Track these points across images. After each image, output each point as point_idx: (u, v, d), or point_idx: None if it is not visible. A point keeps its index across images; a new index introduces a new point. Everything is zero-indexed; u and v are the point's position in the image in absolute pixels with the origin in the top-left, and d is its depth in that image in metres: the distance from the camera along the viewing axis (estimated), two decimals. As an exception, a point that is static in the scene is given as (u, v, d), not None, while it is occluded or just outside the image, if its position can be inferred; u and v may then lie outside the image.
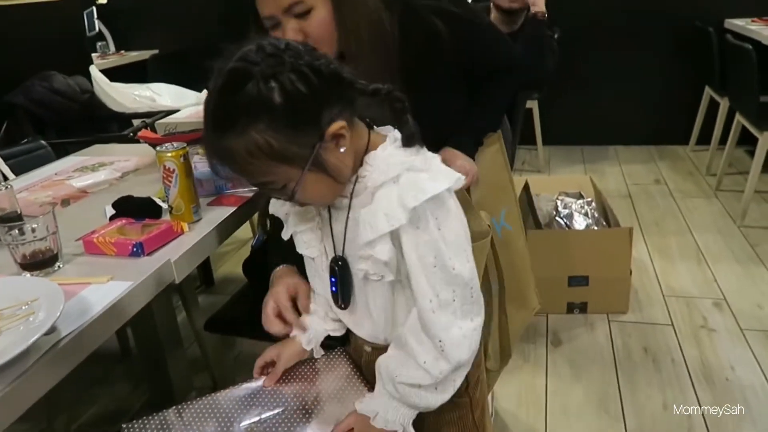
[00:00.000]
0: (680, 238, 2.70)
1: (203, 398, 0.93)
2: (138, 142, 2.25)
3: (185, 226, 1.14)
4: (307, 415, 0.87)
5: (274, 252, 1.10)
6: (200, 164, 1.27)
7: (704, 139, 3.59)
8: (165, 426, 0.88)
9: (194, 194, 1.17)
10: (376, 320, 0.87)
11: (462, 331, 0.79)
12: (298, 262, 1.01)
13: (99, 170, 1.58)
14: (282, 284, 1.01)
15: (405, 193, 0.74)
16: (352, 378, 0.95)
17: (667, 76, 3.85)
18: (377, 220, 0.75)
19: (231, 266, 2.82)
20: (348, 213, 0.82)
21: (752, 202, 2.80)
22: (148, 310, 0.95)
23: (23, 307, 0.86)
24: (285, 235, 0.94)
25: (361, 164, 0.80)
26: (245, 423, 0.86)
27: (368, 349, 0.95)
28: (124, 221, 1.15)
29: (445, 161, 0.82)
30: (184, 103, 2.36)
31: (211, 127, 0.74)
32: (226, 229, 1.21)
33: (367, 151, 0.80)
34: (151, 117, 2.33)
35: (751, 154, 2.83)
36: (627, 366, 1.88)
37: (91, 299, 0.91)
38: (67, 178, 1.53)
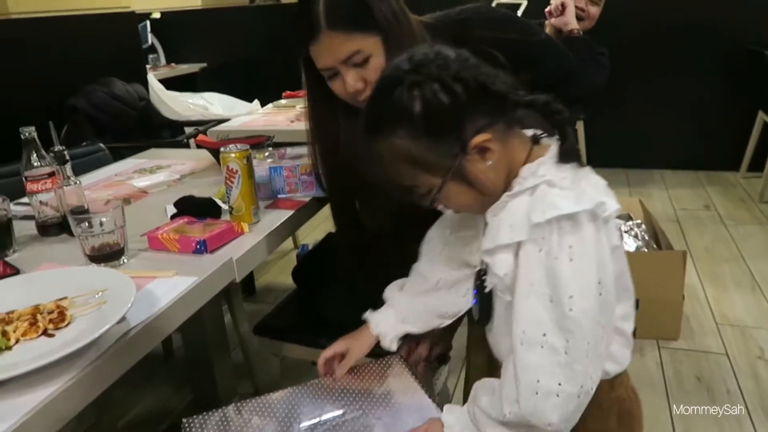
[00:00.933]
0: (733, 266, 2.61)
1: (261, 397, 0.93)
2: (190, 147, 2.31)
3: (245, 226, 1.15)
4: (368, 420, 0.86)
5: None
6: (258, 168, 1.28)
7: (756, 165, 3.49)
8: (225, 421, 0.88)
9: (255, 196, 1.18)
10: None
11: (558, 390, 0.68)
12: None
13: (157, 172, 1.62)
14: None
15: (534, 207, 0.70)
16: (412, 386, 0.94)
17: (718, 99, 3.76)
18: (500, 229, 0.72)
19: (272, 276, 2.83)
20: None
21: (809, 231, 2.70)
22: (198, 312, 0.96)
23: (95, 296, 0.87)
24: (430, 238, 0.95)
25: (515, 176, 0.76)
26: (305, 424, 0.86)
27: None
28: (185, 220, 1.16)
29: None
30: (235, 113, 2.41)
31: (363, 130, 0.77)
32: (283, 232, 1.22)
33: (522, 164, 0.76)
34: (203, 125, 2.39)
35: (809, 181, 2.74)
36: (679, 395, 1.81)
37: (158, 292, 0.93)
38: (128, 179, 1.57)
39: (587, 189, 0.71)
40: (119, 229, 1.04)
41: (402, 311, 0.98)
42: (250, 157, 1.16)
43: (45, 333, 0.82)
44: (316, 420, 0.86)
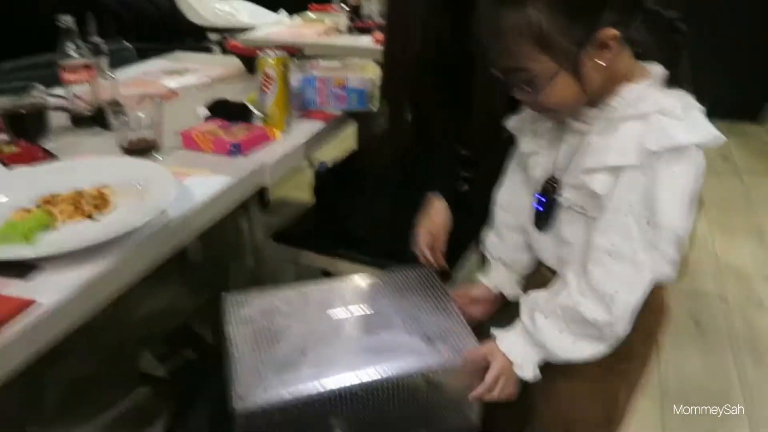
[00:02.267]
0: (744, 217, 2.63)
1: (298, 284, 0.98)
2: (214, 52, 2.28)
3: (278, 133, 1.17)
4: (399, 323, 0.91)
5: (432, 171, 1.15)
6: (291, 78, 1.28)
7: (781, 119, 3.43)
8: (263, 298, 0.93)
9: (289, 104, 1.19)
10: (562, 250, 0.85)
11: (634, 303, 0.76)
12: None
13: (186, 74, 1.61)
14: (440, 218, 1.08)
15: (649, 134, 0.70)
16: (444, 297, 0.97)
17: (744, 45, 3.63)
18: (607, 151, 0.73)
19: (285, 191, 2.87)
20: (582, 138, 0.78)
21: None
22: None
23: (137, 186, 0.91)
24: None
25: (612, 92, 0.75)
26: (339, 315, 0.91)
27: (549, 275, 0.89)
28: (219, 122, 1.18)
29: None
30: (262, 21, 2.37)
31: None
32: (313, 142, 1.24)
33: (622, 80, 0.75)
34: (228, 32, 2.35)
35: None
36: (671, 330, 1.88)
37: (194, 188, 0.96)
38: (158, 78, 1.57)
39: (699, 119, 0.72)
40: (156, 126, 1.06)
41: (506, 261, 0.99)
42: (288, 64, 1.16)
43: (90, 217, 0.86)
44: (347, 315, 0.92)
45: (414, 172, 1.22)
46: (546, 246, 0.88)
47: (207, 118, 1.23)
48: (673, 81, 0.74)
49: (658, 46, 0.75)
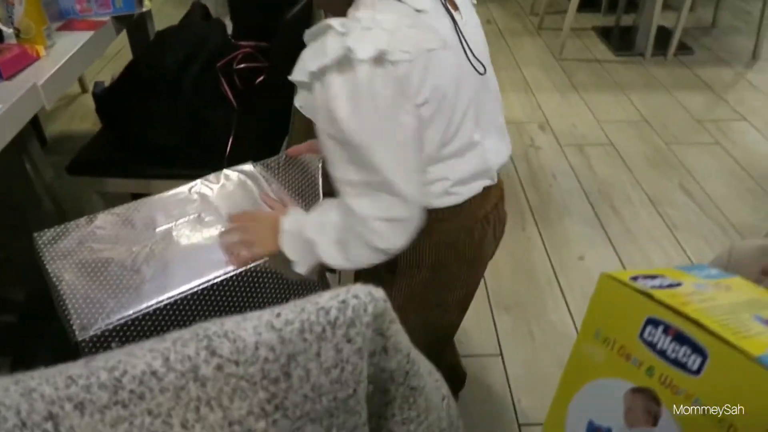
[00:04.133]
0: (510, 73, 2.96)
1: (112, 209, 0.92)
2: None
3: (41, 49, 1.03)
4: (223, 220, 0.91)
5: None
6: (38, -17, 1.12)
7: (528, -19, 3.82)
8: (78, 230, 0.87)
9: (44, 14, 1.05)
10: None
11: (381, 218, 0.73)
12: None
13: None
14: None
15: (313, 52, 0.69)
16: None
17: None
18: (298, 62, 0.72)
19: (63, 125, 2.56)
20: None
21: (568, 39, 3.12)
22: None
23: None
24: None
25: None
26: (161, 228, 0.89)
27: None
28: (-39, 47, 1.00)
29: None
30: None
31: None
32: (85, 55, 1.12)
33: None
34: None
35: (569, -7, 3.11)
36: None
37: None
38: None
39: (359, 33, 0.66)
40: None
41: None
42: (29, -33, 1.01)
43: None
44: (171, 224, 0.90)
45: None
46: None
47: (-57, 45, 1.04)
48: None
49: None
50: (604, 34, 3.33)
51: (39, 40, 1.04)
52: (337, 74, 0.66)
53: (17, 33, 1.03)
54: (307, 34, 0.73)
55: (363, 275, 0.89)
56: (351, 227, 0.74)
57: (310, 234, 0.78)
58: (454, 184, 0.80)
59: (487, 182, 0.84)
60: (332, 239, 0.76)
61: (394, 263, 0.84)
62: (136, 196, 1.73)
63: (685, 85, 2.80)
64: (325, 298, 0.42)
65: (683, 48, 3.08)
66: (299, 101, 0.76)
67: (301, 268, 0.80)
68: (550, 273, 1.74)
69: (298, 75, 0.71)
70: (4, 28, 1.07)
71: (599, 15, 3.55)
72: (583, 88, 2.78)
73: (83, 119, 2.52)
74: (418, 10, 0.71)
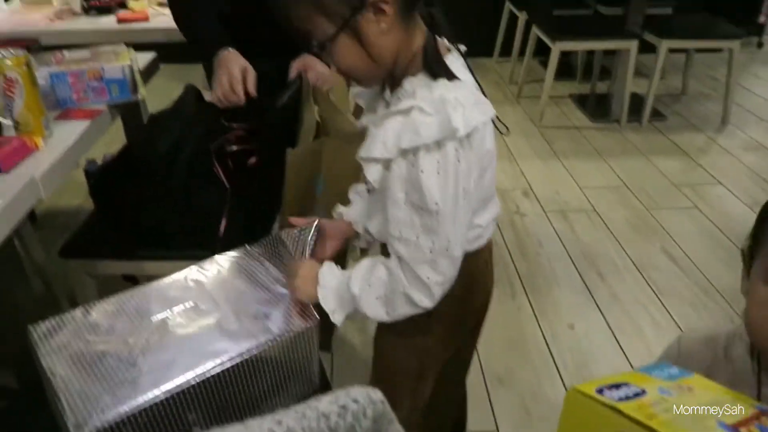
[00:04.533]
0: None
1: (107, 298, 0.92)
2: None
3: (39, 141, 1.06)
4: (225, 307, 0.91)
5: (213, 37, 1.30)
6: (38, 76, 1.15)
7: (506, 51, 3.99)
8: (73, 321, 0.87)
9: (42, 106, 1.08)
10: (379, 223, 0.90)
11: (426, 280, 0.80)
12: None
13: None
14: (234, 63, 1.21)
15: (404, 132, 0.75)
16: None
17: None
18: (375, 144, 0.77)
19: (53, 200, 2.56)
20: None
21: (547, 107, 3.24)
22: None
23: None
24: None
25: (406, 71, 0.79)
26: (158, 317, 0.89)
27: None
28: (-40, 140, 1.03)
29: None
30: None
31: None
32: (84, 144, 1.15)
33: (414, 51, 0.79)
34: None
35: (545, 64, 3.24)
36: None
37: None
38: None
39: (451, 113, 0.73)
40: None
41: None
42: (30, 63, 1.04)
43: None
44: (167, 313, 0.90)
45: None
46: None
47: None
48: (430, 67, 0.78)
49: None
50: (581, 101, 3.47)
51: (37, 131, 1.07)
52: (430, 151, 0.74)
53: (16, 125, 1.06)
54: (375, 118, 0.82)
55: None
56: (397, 286, 0.81)
57: (355, 289, 0.84)
58: (484, 230, 0.90)
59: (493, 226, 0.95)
60: (377, 295, 0.83)
61: None
62: (127, 278, 1.73)
63: (661, 151, 2.90)
64: (324, 403, 0.43)
65: (656, 114, 3.21)
66: (372, 175, 0.80)
67: (338, 317, 0.87)
68: (542, 343, 1.75)
69: (377, 153, 0.77)
70: (4, 121, 1.09)
71: (575, 83, 3.70)
72: (564, 155, 2.87)
73: (74, 195, 2.53)
74: (461, 80, 0.79)
